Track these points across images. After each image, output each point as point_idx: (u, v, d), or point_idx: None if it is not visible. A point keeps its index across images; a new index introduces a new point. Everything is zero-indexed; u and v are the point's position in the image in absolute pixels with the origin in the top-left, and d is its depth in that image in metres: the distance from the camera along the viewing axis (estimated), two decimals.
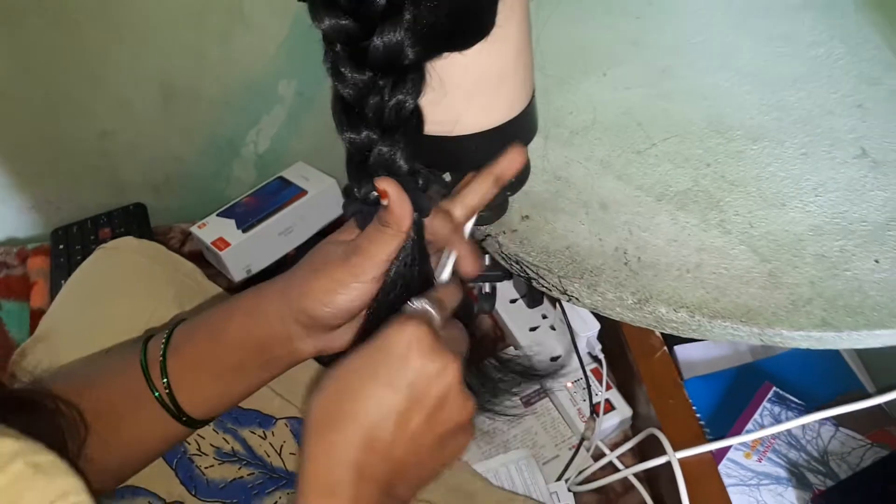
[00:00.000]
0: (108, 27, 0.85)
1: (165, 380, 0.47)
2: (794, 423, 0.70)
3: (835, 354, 0.93)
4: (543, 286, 0.55)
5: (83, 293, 0.67)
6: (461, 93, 0.44)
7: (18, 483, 0.33)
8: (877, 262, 0.52)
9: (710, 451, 0.66)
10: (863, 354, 0.88)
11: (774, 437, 0.77)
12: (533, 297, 0.87)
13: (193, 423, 0.49)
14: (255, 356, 0.47)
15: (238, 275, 0.89)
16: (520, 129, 0.48)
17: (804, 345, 0.49)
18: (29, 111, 0.91)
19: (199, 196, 1.02)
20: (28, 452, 0.34)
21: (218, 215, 0.91)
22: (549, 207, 0.57)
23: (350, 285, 0.43)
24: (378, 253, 0.43)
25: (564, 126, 0.64)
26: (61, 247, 0.95)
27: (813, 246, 0.54)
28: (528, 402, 0.80)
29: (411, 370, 0.38)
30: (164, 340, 0.48)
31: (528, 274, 0.55)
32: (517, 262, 0.55)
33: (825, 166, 0.59)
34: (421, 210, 0.44)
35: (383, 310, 0.45)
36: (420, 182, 0.45)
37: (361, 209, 0.45)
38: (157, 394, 0.47)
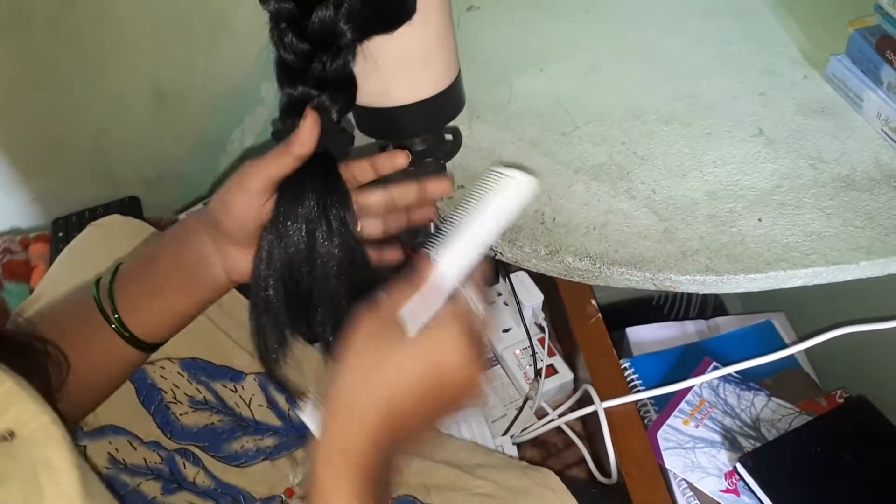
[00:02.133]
0: (105, 37, 0.94)
1: (113, 305, 0.52)
2: (711, 376, 0.77)
3: (772, 333, 1.00)
4: None
5: (74, 262, 0.75)
6: (389, 68, 0.53)
7: (7, 397, 0.38)
8: (759, 220, 0.60)
9: (634, 403, 0.74)
10: (800, 333, 0.94)
11: (711, 405, 0.84)
12: (489, 276, 0.95)
13: (147, 347, 0.55)
14: (177, 275, 0.53)
15: None
16: (445, 104, 0.57)
17: (691, 288, 0.57)
18: (32, 113, 0.99)
19: (188, 189, 1.10)
20: (16, 377, 0.39)
21: (205, 206, 0.99)
22: None
23: (241, 191, 0.48)
24: (267, 165, 0.48)
25: (502, 112, 0.72)
26: (60, 234, 1.03)
27: (706, 208, 0.62)
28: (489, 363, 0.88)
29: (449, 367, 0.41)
30: (111, 275, 0.54)
31: None
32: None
33: (725, 143, 0.68)
34: (337, 152, 0.50)
35: (279, 240, 0.49)
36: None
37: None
38: (113, 325, 0.53)
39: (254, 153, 1.10)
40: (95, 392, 0.57)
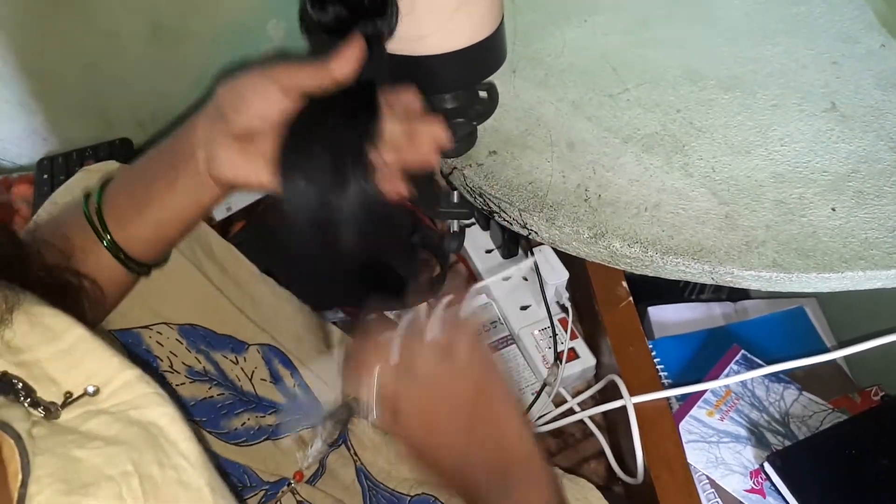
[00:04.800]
0: None
1: (102, 222, 0.48)
2: (748, 375, 0.71)
3: (805, 322, 0.94)
4: (504, 219, 0.55)
5: (62, 208, 0.68)
6: (425, 10, 0.45)
7: (80, 346, 0.36)
8: (833, 209, 0.53)
9: (666, 399, 0.68)
10: (833, 323, 0.89)
11: (738, 396, 0.78)
12: (508, 248, 0.87)
13: (139, 268, 0.50)
14: (164, 171, 0.47)
15: (219, 213, 0.89)
16: (483, 56, 0.49)
17: (754, 285, 0.50)
18: (12, 41, 0.91)
19: None
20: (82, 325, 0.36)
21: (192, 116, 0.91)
22: (518, 144, 0.58)
23: (267, 84, 0.43)
24: (302, 73, 0.44)
25: (541, 67, 0.64)
26: (45, 176, 0.95)
27: (773, 192, 0.54)
28: (495, 348, 0.82)
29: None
30: (100, 187, 0.49)
31: (489, 207, 0.56)
32: (480, 195, 0.56)
33: (794, 118, 0.60)
34: (377, 76, 0.44)
35: (300, 148, 0.44)
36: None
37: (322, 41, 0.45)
38: (105, 243, 0.47)
39: None
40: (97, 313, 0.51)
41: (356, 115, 0.44)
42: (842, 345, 0.85)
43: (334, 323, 0.80)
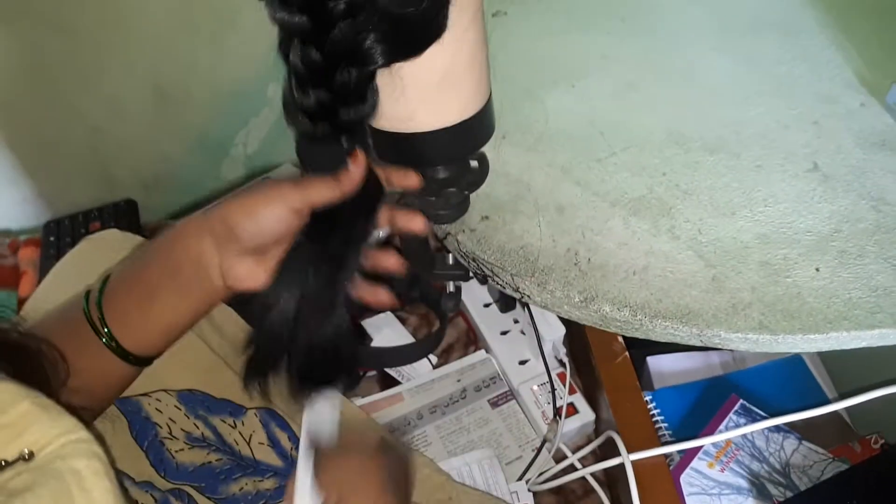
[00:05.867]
0: (104, 31, 0.88)
1: (102, 318, 0.49)
2: (746, 430, 0.71)
3: (803, 370, 0.94)
4: (497, 283, 0.57)
5: (66, 278, 0.70)
6: (415, 91, 0.47)
7: (25, 418, 0.37)
8: (817, 270, 0.54)
9: (664, 456, 0.68)
10: (832, 370, 0.89)
11: (738, 447, 0.79)
12: (505, 302, 0.89)
13: (140, 361, 0.52)
14: (170, 280, 0.50)
15: None
16: (473, 130, 0.51)
17: (742, 347, 0.51)
18: (25, 109, 0.94)
19: (188, 194, 1.05)
20: (32, 395, 0.38)
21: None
22: (509, 209, 0.60)
23: (278, 203, 0.47)
24: (312, 190, 0.48)
25: (530, 133, 0.66)
26: (52, 239, 0.97)
27: (758, 253, 0.56)
28: (494, 404, 0.82)
29: None
30: (101, 285, 0.51)
31: (483, 271, 0.57)
32: (473, 260, 0.57)
33: (777, 178, 0.61)
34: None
35: (301, 259, 0.49)
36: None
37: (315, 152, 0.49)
38: (104, 339, 0.49)
39: (260, 159, 1.05)
40: (95, 401, 0.53)
41: (348, 247, 0.50)
42: (842, 396, 0.86)
43: None
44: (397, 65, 0.45)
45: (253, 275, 0.49)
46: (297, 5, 0.41)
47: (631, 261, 0.55)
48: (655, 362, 0.98)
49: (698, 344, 0.52)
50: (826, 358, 0.92)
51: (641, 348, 0.98)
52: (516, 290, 0.56)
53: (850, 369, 0.88)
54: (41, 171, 1.02)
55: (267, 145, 1.04)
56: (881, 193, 0.60)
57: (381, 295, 0.53)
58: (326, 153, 0.48)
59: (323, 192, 0.48)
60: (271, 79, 0.96)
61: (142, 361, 0.52)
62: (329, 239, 0.49)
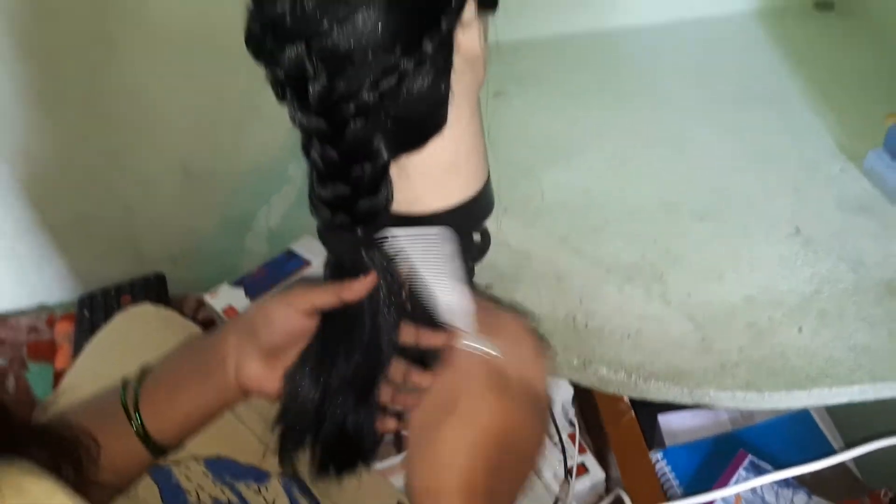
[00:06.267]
0: (136, 118, 0.96)
1: (137, 409, 0.53)
2: (753, 483, 0.73)
3: (811, 425, 0.96)
4: None
5: (102, 353, 0.75)
6: (420, 178, 0.52)
7: None
8: (800, 330, 0.58)
9: None
10: (840, 425, 0.91)
11: (748, 503, 0.80)
12: None
13: (159, 451, 0.55)
14: (196, 370, 0.54)
15: None
16: (473, 209, 0.56)
17: (730, 404, 0.55)
18: (62, 190, 1.01)
19: (214, 266, 1.11)
20: (68, 492, 0.40)
21: (230, 285, 0.99)
22: (511, 279, 0.64)
23: (287, 306, 0.52)
24: (316, 295, 0.52)
25: (529, 207, 0.71)
26: (86, 313, 1.03)
27: (744, 315, 0.59)
28: None
29: None
30: (138, 379, 0.55)
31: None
32: None
33: (762, 243, 0.66)
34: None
35: (312, 364, 0.54)
36: None
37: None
38: (135, 429, 0.53)
39: (281, 232, 1.11)
40: (121, 478, 0.56)
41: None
42: (849, 446, 0.88)
43: None
44: (404, 156, 0.51)
45: (261, 377, 0.53)
46: (314, 110, 0.46)
47: (625, 325, 0.59)
48: (666, 420, 1.00)
49: (688, 402, 0.55)
50: (834, 413, 0.94)
51: (652, 407, 1.01)
52: None
53: (859, 424, 0.90)
54: (76, 248, 1.08)
55: (288, 219, 1.10)
56: (859, 255, 0.63)
57: (388, 424, 0.57)
58: (345, 241, 0.53)
59: (325, 297, 0.53)
60: (291, 159, 1.03)
61: (159, 450, 0.55)
62: (342, 338, 0.54)
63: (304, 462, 0.59)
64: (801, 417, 0.97)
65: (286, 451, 0.57)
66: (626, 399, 0.80)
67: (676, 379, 0.55)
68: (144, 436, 0.53)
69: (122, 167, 1.01)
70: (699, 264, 0.64)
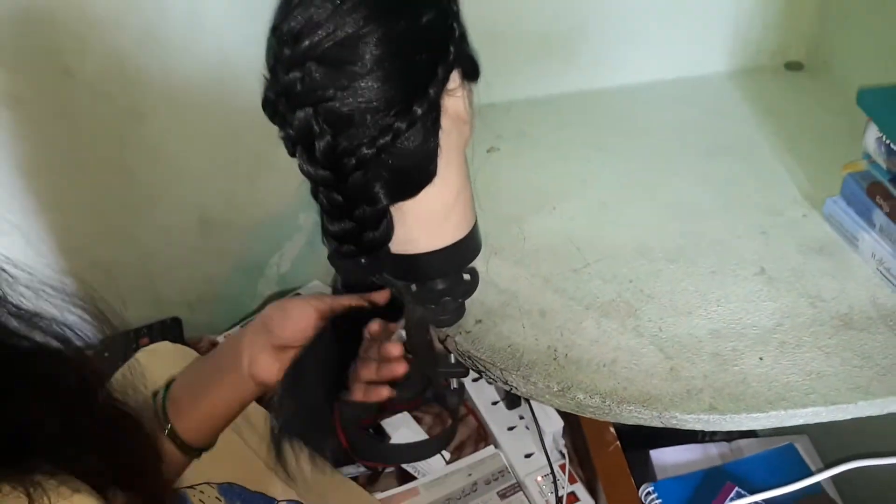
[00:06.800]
0: (156, 171, 1.03)
1: (165, 415, 0.60)
2: None
3: (796, 458, 1.00)
4: (489, 378, 0.67)
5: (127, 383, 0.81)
6: (413, 222, 0.59)
7: None
8: (761, 359, 0.64)
9: None
10: (824, 458, 0.95)
11: None
12: (511, 400, 0.98)
13: (193, 452, 0.61)
14: (216, 369, 0.61)
15: None
16: (462, 250, 0.63)
17: (696, 426, 0.60)
18: (87, 239, 1.08)
19: (228, 310, 1.17)
20: None
21: (242, 327, 1.05)
22: (499, 314, 0.70)
23: (304, 303, 0.60)
24: (334, 302, 0.61)
25: (517, 250, 0.78)
26: (106, 354, 1.09)
27: (710, 346, 0.65)
28: (503, 496, 0.90)
29: None
30: (164, 389, 0.62)
31: (477, 367, 0.67)
32: (469, 358, 0.68)
33: (729, 282, 0.72)
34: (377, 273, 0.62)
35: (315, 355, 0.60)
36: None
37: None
38: (166, 431, 0.60)
39: (291, 277, 1.18)
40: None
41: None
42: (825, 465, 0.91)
43: (355, 478, 0.90)
44: (401, 203, 0.58)
45: (270, 368, 0.60)
46: (320, 163, 0.54)
47: (601, 355, 0.65)
48: (658, 455, 1.05)
49: (658, 425, 0.61)
50: (819, 445, 0.98)
51: (644, 443, 1.05)
52: (505, 382, 0.66)
53: (844, 457, 0.93)
54: (96, 295, 1.15)
55: (298, 265, 1.17)
56: (818, 291, 0.69)
57: (383, 391, 0.64)
58: (350, 266, 0.60)
59: (345, 302, 0.61)
60: (302, 209, 1.11)
61: (192, 451, 0.62)
62: (332, 343, 0.61)
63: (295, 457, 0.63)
64: (787, 451, 1.01)
65: (278, 440, 0.63)
66: (612, 429, 0.85)
67: (646, 403, 0.61)
68: (174, 436, 0.59)
69: (142, 217, 1.09)
70: (670, 301, 0.70)
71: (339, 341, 0.62)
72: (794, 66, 1.05)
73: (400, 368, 0.62)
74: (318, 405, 0.61)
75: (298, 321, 0.60)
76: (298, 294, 1.11)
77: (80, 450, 0.43)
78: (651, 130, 0.96)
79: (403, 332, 0.68)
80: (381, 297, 0.63)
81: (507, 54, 0.99)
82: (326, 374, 0.61)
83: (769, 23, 1.02)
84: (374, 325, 0.63)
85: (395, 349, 0.61)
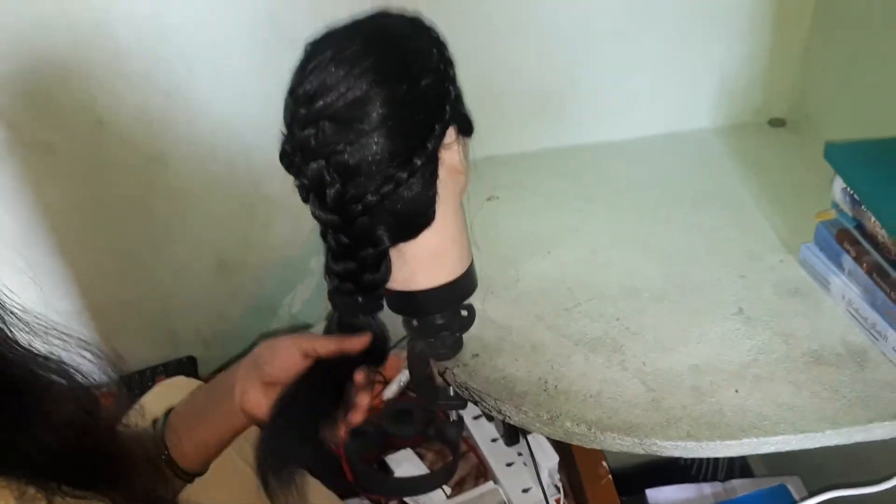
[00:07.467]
0: (176, 215, 1.10)
1: (163, 441, 0.63)
2: None
3: (787, 498, 1.04)
4: (484, 408, 0.72)
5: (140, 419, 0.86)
6: (414, 261, 0.65)
7: None
8: (736, 391, 0.68)
9: None
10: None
11: None
12: (510, 436, 1.02)
13: (187, 477, 0.65)
14: (209, 402, 0.65)
15: None
16: (459, 287, 0.68)
17: (675, 453, 0.65)
18: (108, 279, 1.14)
19: (240, 348, 1.23)
20: None
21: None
22: (494, 348, 0.76)
23: (291, 346, 0.63)
24: (317, 343, 0.64)
25: (512, 289, 0.84)
26: (124, 391, 1.14)
27: (690, 380, 0.70)
28: None
29: None
30: (164, 417, 0.66)
31: (473, 398, 0.72)
32: (466, 389, 0.73)
33: (709, 321, 0.77)
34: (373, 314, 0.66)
35: (301, 397, 0.63)
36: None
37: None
38: (163, 456, 0.64)
39: (302, 317, 1.24)
40: None
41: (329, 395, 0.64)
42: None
43: None
44: (401, 244, 0.64)
45: (259, 403, 0.63)
46: (330, 208, 0.60)
47: (588, 387, 0.70)
48: (654, 494, 1.08)
49: (640, 452, 0.65)
50: (811, 486, 1.02)
51: (641, 483, 1.09)
52: (499, 412, 0.71)
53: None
54: (116, 332, 1.21)
55: (308, 306, 1.23)
56: (791, 330, 0.75)
57: (362, 400, 0.66)
58: (348, 304, 0.65)
59: (326, 345, 0.64)
60: (313, 253, 1.17)
61: (186, 476, 0.65)
62: (318, 382, 0.64)
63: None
64: (779, 491, 1.05)
65: (265, 467, 0.64)
66: (604, 464, 0.89)
67: (629, 431, 0.65)
68: (170, 462, 0.64)
69: (162, 258, 1.15)
70: (654, 338, 0.75)
71: (321, 382, 0.64)
72: (776, 123, 1.12)
73: (357, 417, 0.65)
74: (298, 443, 0.63)
75: (285, 359, 0.64)
76: (295, 331, 1.16)
77: (83, 469, 0.47)
78: (639, 182, 1.02)
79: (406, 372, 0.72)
80: (360, 342, 0.65)
81: (505, 111, 1.06)
82: (309, 412, 0.63)
83: (754, 81, 1.09)
84: (359, 376, 0.66)
85: (364, 399, 0.66)
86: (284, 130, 0.61)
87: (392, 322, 0.70)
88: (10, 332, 0.44)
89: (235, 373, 0.65)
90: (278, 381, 0.64)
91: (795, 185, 0.97)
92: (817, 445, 0.64)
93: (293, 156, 0.60)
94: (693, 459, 1.29)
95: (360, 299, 0.64)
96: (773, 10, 1.02)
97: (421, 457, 1.05)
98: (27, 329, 0.45)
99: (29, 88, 0.95)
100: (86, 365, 0.51)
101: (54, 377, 0.47)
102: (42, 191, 1.01)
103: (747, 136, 1.10)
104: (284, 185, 0.64)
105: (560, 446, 0.95)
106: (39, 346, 0.47)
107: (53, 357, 0.47)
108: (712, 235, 0.90)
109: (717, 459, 1.27)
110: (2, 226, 1.02)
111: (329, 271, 0.65)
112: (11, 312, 0.45)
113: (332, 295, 0.66)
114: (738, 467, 1.29)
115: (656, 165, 1.06)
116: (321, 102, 0.56)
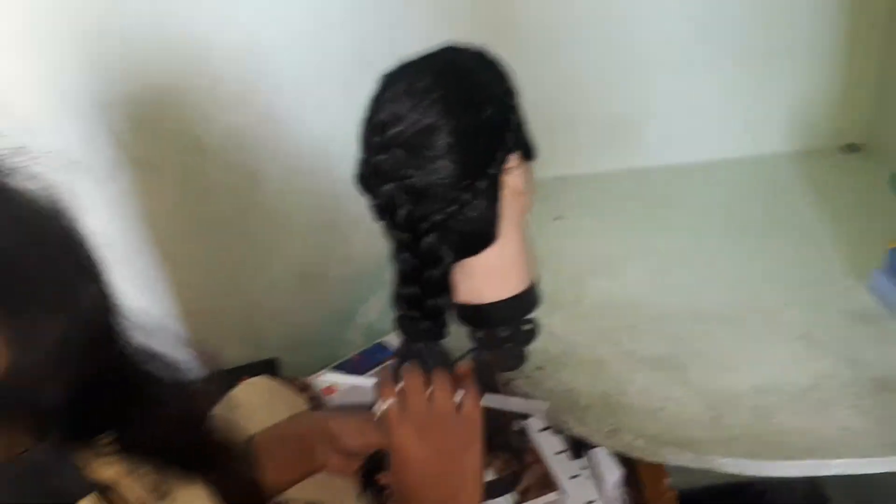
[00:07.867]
0: (265, 231, 1.17)
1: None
2: None
3: None
4: (545, 418, 0.75)
5: (230, 409, 0.93)
6: (481, 277, 0.70)
7: None
8: (797, 413, 0.69)
9: None
10: None
11: None
12: (574, 449, 1.04)
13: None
14: (290, 451, 0.71)
15: None
16: (522, 302, 0.72)
17: (733, 470, 0.67)
18: (201, 287, 1.23)
19: (318, 354, 1.29)
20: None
21: (331, 369, 1.17)
22: (559, 361, 0.79)
23: (360, 432, 0.70)
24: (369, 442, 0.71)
25: (579, 306, 0.87)
26: (218, 386, 1.22)
27: (751, 400, 0.72)
28: None
29: None
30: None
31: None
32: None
33: (773, 343, 0.78)
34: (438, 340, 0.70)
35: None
36: None
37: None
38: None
39: (376, 327, 1.29)
40: None
41: None
42: None
43: None
44: (466, 260, 0.68)
45: (342, 468, 0.71)
46: (400, 227, 0.65)
47: (650, 403, 0.73)
48: None
49: (696, 466, 0.67)
50: None
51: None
52: (561, 422, 0.74)
53: None
54: (206, 335, 1.29)
55: (382, 317, 1.29)
56: (857, 356, 0.75)
57: None
58: (414, 329, 0.69)
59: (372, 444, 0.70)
60: (387, 268, 1.22)
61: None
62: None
63: None
64: None
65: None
66: (667, 480, 0.90)
67: (688, 446, 0.68)
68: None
69: (251, 270, 1.23)
70: (717, 359, 0.77)
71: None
72: (850, 149, 1.11)
73: None
74: None
75: (352, 444, 0.71)
76: (380, 343, 1.22)
77: (188, 454, 0.53)
78: (708, 206, 1.04)
79: None
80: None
81: (575, 133, 1.10)
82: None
83: (828, 106, 1.09)
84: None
85: None
86: (360, 155, 0.66)
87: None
88: (127, 331, 0.51)
89: (313, 447, 0.72)
90: (351, 454, 0.71)
91: (867, 211, 0.97)
92: (881, 471, 0.65)
93: (368, 179, 0.66)
94: (765, 489, 1.27)
95: (424, 325, 0.69)
96: (848, 38, 1.02)
97: (488, 465, 1.08)
98: (140, 329, 0.52)
99: (138, 112, 1.04)
100: (187, 362, 0.58)
101: (163, 372, 0.53)
102: (147, 205, 1.11)
103: (819, 162, 1.10)
104: (362, 203, 0.69)
105: (625, 460, 0.96)
106: (150, 344, 0.53)
107: (161, 354, 0.54)
108: (780, 259, 0.91)
109: (792, 491, 1.25)
110: (112, 236, 1.12)
111: (396, 297, 0.70)
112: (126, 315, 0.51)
113: (399, 322, 0.70)
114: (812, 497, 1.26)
115: (727, 189, 1.07)
116: (393, 130, 0.62)
